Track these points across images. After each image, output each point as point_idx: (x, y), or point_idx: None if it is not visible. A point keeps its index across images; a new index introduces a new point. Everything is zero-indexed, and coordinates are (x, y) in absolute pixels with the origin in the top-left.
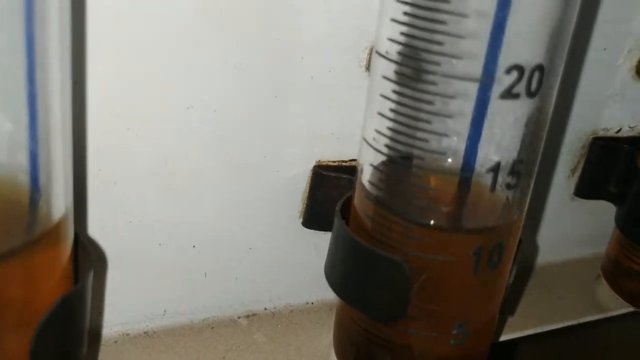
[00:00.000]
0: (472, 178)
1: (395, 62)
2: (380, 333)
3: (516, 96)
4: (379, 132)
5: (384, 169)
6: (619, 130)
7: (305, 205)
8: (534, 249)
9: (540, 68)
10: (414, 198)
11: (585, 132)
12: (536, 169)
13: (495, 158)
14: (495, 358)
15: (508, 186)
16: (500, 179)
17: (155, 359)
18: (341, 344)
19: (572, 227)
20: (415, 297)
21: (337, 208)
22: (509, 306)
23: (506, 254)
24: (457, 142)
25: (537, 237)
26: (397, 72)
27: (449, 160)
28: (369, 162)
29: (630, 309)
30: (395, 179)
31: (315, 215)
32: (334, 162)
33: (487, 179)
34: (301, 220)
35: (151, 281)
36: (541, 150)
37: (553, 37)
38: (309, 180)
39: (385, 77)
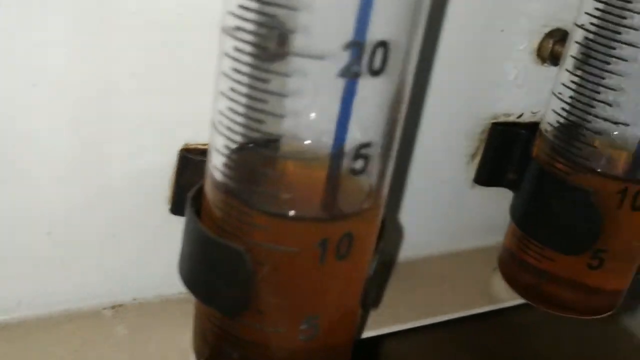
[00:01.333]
0: (316, 163)
1: (235, 37)
2: (229, 328)
3: (356, 75)
4: (222, 113)
5: (228, 154)
6: (520, 116)
7: (172, 191)
8: (431, 237)
9: (383, 45)
10: (254, 184)
11: (485, 117)
12: (394, 153)
13: (339, 142)
14: (368, 353)
15: (354, 172)
16: (345, 164)
17: (2, 353)
18: (196, 339)
19: (473, 215)
20: (258, 290)
21: (188, 195)
22: (371, 299)
23: (357, 245)
24: (299, 125)
25: (436, 225)
26: (236, 49)
27: (292, 144)
28: (214, 146)
29: (523, 301)
30: (238, 164)
31: (184, 201)
32: (204, 145)
33: (333, 165)
34: (169, 206)
35: (2, 270)
36: (398, 133)
37: (399, 12)
38: (176, 164)
39: (226, 54)
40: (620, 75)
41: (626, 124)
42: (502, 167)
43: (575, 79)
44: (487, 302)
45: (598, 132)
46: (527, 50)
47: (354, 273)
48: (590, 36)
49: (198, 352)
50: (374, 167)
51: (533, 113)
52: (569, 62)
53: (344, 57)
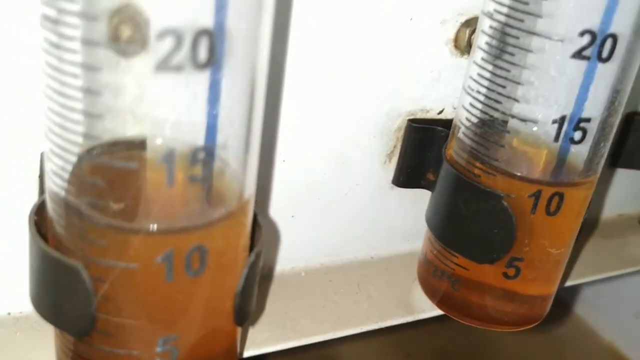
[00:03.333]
0: (150, 169)
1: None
2: (80, 351)
3: (180, 68)
4: (48, 117)
5: (60, 162)
6: (441, 112)
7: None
8: (346, 243)
9: (207, 33)
10: (84, 194)
11: (401, 114)
12: (248, 157)
13: (174, 145)
14: None
15: (193, 178)
16: (184, 169)
17: None
18: None
19: (393, 219)
20: (101, 309)
21: (30, 211)
22: (243, 315)
23: (214, 259)
24: (128, 125)
25: (352, 230)
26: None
27: (132, 149)
28: (47, 154)
29: (439, 312)
30: (73, 174)
31: None
32: None
33: (170, 171)
34: None
35: None
36: (256, 131)
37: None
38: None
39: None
40: (527, 68)
41: (535, 122)
42: (421, 167)
43: (483, 72)
44: (406, 312)
45: (508, 131)
46: (443, 41)
47: (215, 289)
48: (496, 25)
49: None
50: (225, 171)
51: (455, 108)
52: (477, 54)
53: (161, 49)
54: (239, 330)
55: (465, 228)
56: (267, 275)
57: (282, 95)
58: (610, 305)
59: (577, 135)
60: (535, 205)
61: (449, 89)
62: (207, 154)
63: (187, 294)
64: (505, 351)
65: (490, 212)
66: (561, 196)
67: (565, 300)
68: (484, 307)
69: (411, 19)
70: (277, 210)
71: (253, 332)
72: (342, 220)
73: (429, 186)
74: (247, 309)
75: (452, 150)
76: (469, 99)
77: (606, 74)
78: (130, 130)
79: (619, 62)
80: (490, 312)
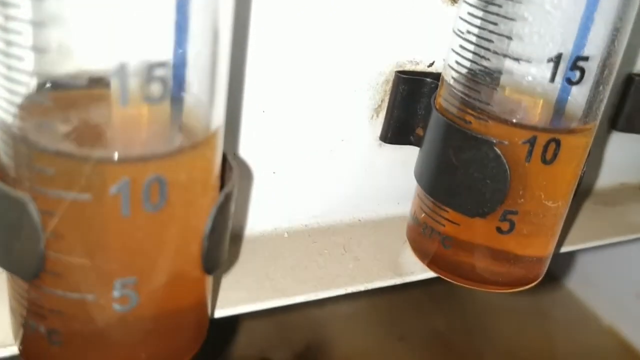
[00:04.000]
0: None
1: None
2: (32, 297)
3: None
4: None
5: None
6: (431, 64)
7: None
8: (332, 204)
9: None
10: (32, 115)
11: (388, 66)
12: (214, 85)
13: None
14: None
15: (149, 99)
16: (140, 88)
17: None
18: (12, 320)
19: (382, 178)
20: (51, 247)
21: None
22: (212, 262)
23: (175, 193)
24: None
25: (338, 190)
26: None
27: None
28: None
29: (431, 274)
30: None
31: None
32: None
33: (123, 87)
34: None
35: None
36: (217, 61)
37: None
38: None
39: None
40: (521, 2)
41: (529, 61)
42: (410, 122)
43: (474, 11)
44: (394, 274)
45: (501, 72)
46: None
47: (178, 228)
48: None
49: (14, 334)
50: (187, 97)
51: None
52: None
53: None
54: (209, 281)
55: (456, 179)
56: (247, 235)
57: (261, 41)
58: (611, 287)
59: (575, 75)
60: (530, 153)
61: (439, 40)
62: (165, 70)
63: (146, 230)
64: (502, 334)
65: (481, 161)
66: (558, 143)
67: (564, 282)
68: (477, 266)
69: None
70: (256, 165)
71: (229, 291)
72: (327, 178)
73: (418, 142)
74: (216, 255)
75: (442, 97)
76: (459, 41)
77: (605, 9)
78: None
79: None
80: (483, 272)
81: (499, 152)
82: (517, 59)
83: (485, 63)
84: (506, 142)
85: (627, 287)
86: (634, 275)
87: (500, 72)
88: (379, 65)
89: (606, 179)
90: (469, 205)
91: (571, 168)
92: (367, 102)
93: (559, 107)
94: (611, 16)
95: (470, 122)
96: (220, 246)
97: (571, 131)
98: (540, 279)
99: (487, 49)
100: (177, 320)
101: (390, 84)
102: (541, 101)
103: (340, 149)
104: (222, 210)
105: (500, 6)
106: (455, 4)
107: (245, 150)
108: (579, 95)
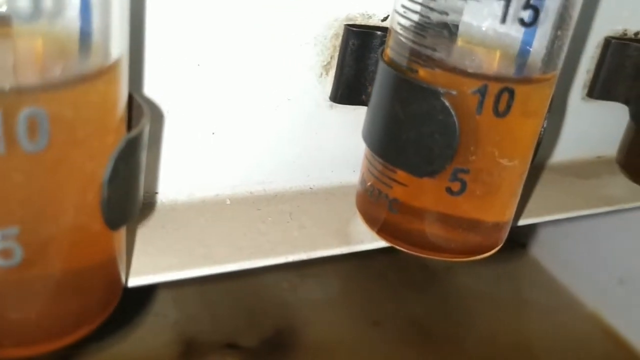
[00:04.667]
0: None
1: None
2: None
3: None
4: None
5: None
6: (385, 18)
7: None
8: (280, 170)
9: None
10: None
11: (337, 18)
12: (109, 11)
13: None
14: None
15: (18, 14)
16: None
17: None
18: None
19: (335, 144)
20: None
21: None
22: (114, 215)
23: (60, 132)
24: None
25: (285, 155)
26: None
27: None
28: None
29: (382, 243)
30: None
31: None
32: None
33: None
34: None
35: None
36: None
37: None
38: None
39: None
40: None
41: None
42: (361, 79)
43: None
44: (341, 243)
45: (447, 12)
46: None
47: (67, 173)
48: None
49: None
50: (70, 21)
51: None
52: None
53: None
54: (117, 238)
55: (403, 135)
56: (185, 201)
57: None
58: (594, 273)
59: (527, 15)
60: (481, 104)
61: None
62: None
63: (26, 173)
64: (481, 320)
65: (429, 113)
66: (511, 93)
67: (547, 268)
68: (428, 232)
69: None
70: (193, 124)
71: (158, 257)
72: (273, 141)
73: (369, 100)
74: (120, 208)
75: (389, 47)
76: None
77: None
78: None
79: None
80: (435, 239)
81: (446, 103)
82: None
83: (433, 5)
84: (454, 92)
85: (610, 273)
86: (617, 262)
87: (448, 15)
88: (327, 17)
89: (582, 151)
90: (416, 163)
91: (528, 122)
92: (315, 58)
93: (515, 55)
94: None
95: (416, 71)
96: (126, 197)
97: (527, 80)
98: (499, 246)
99: None
100: (75, 281)
101: (340, 39)
102: (496, 49)
103: (287, 109)
104: (124, 156)
105: None
106: None
107: (180, 107)
108: (536, 43)
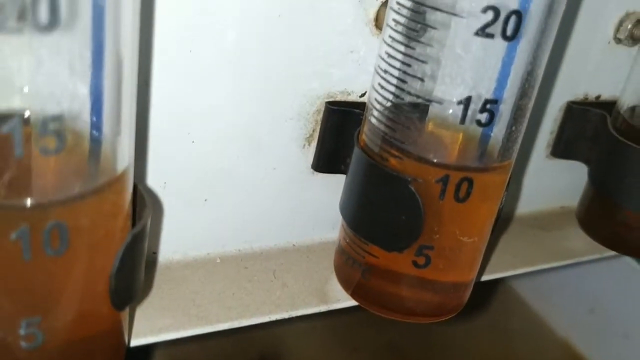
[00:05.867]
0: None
1: None
2: None
3: (19, 30)
4: None
5: None
6: (363, 94)
7: None
8: (263, 230)
9: None
10: None
11: (319, 95)
12: (118, 131)
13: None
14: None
15: (44, 151)
16: (35, 140)
17: None
18: None
19: (317, 206)
20: None
21: None
22: (122, 299)
23: (77, 237)
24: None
25: (269, 216)
26: None
27: None
28: None
29: (355, 302)
30: None
31: None
32: None
33: (17, 141)
34: None
35: None
36: (121, 104)
37: None
38: None
39: None
40: (432, 45)
41: (441, 102)
42: (340, 152)
43: (391, 51)
44: (319, 302)
45: (415, 112)
46: (363, 21)
47: (82, 270)
48: (403, 0)
49: None
50: (85, 145)
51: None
52: (386, 32)
53: None
54: (122, 314)
55: (374, 214)
56: (180, 261)
57: (186, 71)
58: (566, 301)
59: (484, 117)
60: (443, 191)
61: (371, 71)
62: (59, 124)
63: (48, 273)
64: (457, 346)
65: (397, 198)
66: (470, 182)
67: (521, 295)
68: (396, 297)
69: None
70: (188, 193)
71: (155, 319)
72: (260, 205)
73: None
74: (126, 292)
75: (364, 133)
76: (378, 79)
77: (514, 53)
78: None
79: (529, 42)
80: (403, 303)
81: (413, 190)
82: (429, 100)
83: (400, 103)
84: (420, 180)
85: (581, 303)
86: (588, 292)
87: (414, 112)
88: (310, 95)
89: (546, 203)
90: (386, 240)
91: (486, 205)
92: (299, 131)
93: (470, 146)
94: (522, 61)
95: (387, 159)
96: (131, 282)
97: (485, 169)
98: (461, 307)
99: (402, 89)
100: (86, 350)
101: (322, 114)
102: (459, 140)
103: (272, 177)
104: (130, 249)
105: (413, 48)
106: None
107: (176, 179)
108: (490, 135)
